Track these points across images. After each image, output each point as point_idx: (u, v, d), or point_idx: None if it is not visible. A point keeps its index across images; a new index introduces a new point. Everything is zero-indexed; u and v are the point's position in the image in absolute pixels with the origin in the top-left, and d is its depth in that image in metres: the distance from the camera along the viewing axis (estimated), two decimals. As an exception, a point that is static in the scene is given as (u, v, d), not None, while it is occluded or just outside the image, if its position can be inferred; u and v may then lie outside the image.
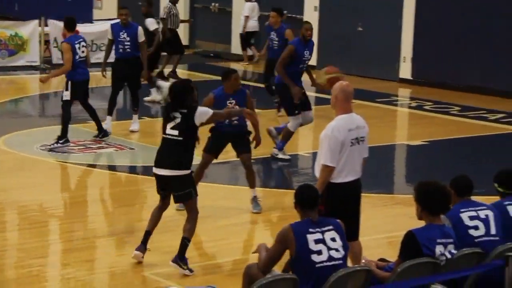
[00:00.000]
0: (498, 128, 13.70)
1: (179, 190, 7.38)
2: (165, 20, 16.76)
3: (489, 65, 16.09)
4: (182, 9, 20.51)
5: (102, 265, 7.76)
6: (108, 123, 12.23)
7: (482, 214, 6.14)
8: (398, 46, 17.45)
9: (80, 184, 10.49)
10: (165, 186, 7.46)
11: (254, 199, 9.10)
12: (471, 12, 16.24)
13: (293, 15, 19.32)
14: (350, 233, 6.32)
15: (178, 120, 7.29)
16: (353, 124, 6.80)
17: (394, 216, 8.72)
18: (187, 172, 7.36)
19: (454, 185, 6.24)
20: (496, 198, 6.61)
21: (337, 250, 5.67)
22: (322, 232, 5.69)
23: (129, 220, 8.89)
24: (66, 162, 10.96)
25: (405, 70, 17.42)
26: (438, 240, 5.67)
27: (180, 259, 7.30)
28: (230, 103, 8.86)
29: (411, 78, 17.31)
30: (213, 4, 20.79)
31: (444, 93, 16.18)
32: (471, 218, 6.07)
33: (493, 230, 6.06)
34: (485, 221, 6.10)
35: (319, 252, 5.62)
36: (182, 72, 17.73)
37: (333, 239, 5.69)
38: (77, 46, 11.35)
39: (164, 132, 7.38)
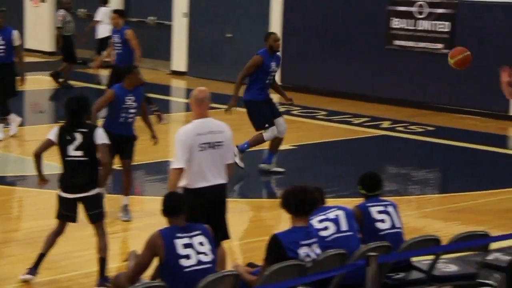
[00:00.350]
0: (362, 132, 14.07)
1: (95, 209, 7.16)
2: (61, 29, 16.75)
3: (354, 71, 16.52)
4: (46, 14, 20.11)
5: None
6: None
7: (331, 215, 6.31)
8: (266, 52, 17.63)
9: None
10: (74, 209, 7.20)
11: (125, 208, 9.01)
12: (335, 20, 16.63)
13: (162, 22, 19.30)
14: (217, 238, 6.37)
15: (79, 140, 7.02)
16: (204, 129, 6.79)
17: (261, 220, 8.82)
18: (98, 190, 7.18)
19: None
20: (360, 200, 6.81)
21: (205, 254, 5.71)
22: (190, 237, 5.72)
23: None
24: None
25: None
26: (302, 242, 5.78)
27: (104, 280, 7.06)
28: (129, 99, 8.73)
29: (280, 84, 17.52)
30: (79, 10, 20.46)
31: (311, 98, 16.50)
32: (320, 221, 6.26)
33: (344, 227, 6.26)
34: (336, 221, 6.28)
35: (187, 257, 5.65)
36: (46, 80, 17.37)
37: (201, 243, 5.72)
38: None
39: (65, 155, 7.04)
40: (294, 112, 15.43)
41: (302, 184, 6.02)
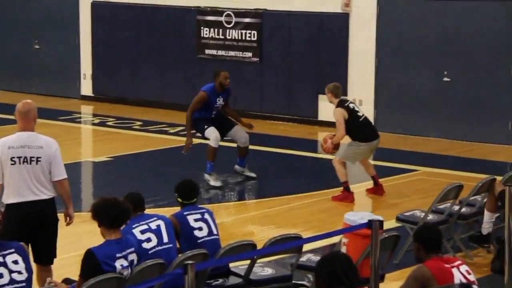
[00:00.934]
0: (179, 141, 14.18)
1: None
2: None
3: (166, 80, 16.65)
4: None
5: None
6: None
7: (153, 225, 6.38)
8: (78, 62, 17.48)
9: None
10: None
11: None
12: (146, 31, 16.71)
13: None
14: (39, 257, 6.31)
15: None
16: (19, 142, 6.68)
17: (79, 234, 8.74)
18: None
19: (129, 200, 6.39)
20: (179, 209, 6.90)
21: (19, 272, 5.59)
22: (3, 256, 5.58)
23: None
24: None
25: (86, 87, 17.49)
26: (118, 255, 5.79)
27: None
28: None
29: (93, 95, 17.43)
30: None
31: (126, 108, 16.50)
32: (142, 231, 6.30)
33: (165, 238, 6.35)
34: (158, 232, 6.36)
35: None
36: None
37: (15, 262, 5.61)
38: None
39: None
40: (109, 123, 15.37)
41: (111, 196, 5.95)
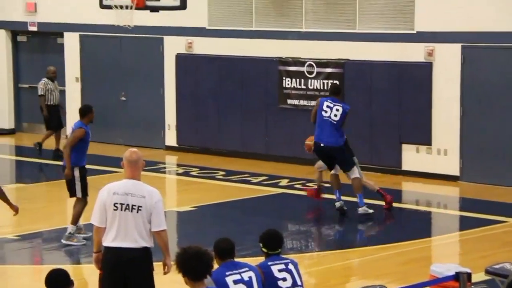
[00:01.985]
0: (261, 190, 14.27)
1: None
2: (43, 96, 16.89)
3: (248, 130, 16.77)
4: (6, 89, 19.71)
5: None
6: None
7: (245, 276, 6.42)
8: (162, 114, 17.79)
9: None
10: None
11: None
12: (228, 82, 16.93)
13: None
14: None
15: None
16: (124, 189, 6.90)
17: (169, 284, 8.88)
18: None
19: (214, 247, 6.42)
20: (262, 259, 6.95)
21: None
22: None
23: None
24: None
25: (171, 138, 17.77)
26: None
27: None
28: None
29: (177, 145, 17.70)
30: None
31: (209, 158, 16.66)
32: (235, 282, 6.31)
33: None
34: (249, 284, 6.38)
35: None
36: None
37: None
38: None
39: None
40: (193, 173, 15.56)
41: (195, 247, 5.69)
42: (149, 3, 13.51)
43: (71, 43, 18.74)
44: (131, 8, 13.55)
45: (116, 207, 6.85)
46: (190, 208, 12.89)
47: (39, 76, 19.38)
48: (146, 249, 6.95)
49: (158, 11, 14.11)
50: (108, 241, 6.90)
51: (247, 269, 6.46)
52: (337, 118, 12.06)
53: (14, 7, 19.18)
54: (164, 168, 16.39)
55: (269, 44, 16.39)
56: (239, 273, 6.37)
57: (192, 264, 5.55)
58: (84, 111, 11.26)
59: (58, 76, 18.72)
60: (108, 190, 6.91)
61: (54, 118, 17.04)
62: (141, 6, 13.51)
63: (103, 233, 6.93)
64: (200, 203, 13.22)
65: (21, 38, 19.69)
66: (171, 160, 17.06)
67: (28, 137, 19.17)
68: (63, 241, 10.72)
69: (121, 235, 6.85)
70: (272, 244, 6.82)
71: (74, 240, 10.72)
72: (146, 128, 17.86)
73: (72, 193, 10.89)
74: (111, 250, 6.89)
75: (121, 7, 13.62)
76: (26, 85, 19.71)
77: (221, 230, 11.57)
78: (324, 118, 12.10)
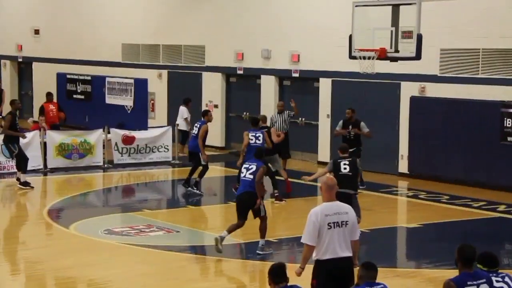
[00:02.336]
0: (481, 214, 13.71)
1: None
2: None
3: (471, 162, 16.21)
4: (219, 117, 20.87)
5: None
6: None
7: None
8: (397, 146, 17.66)
9: (136, 261, 10.57)
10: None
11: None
12: (454, 118, 16.49)
13: (310, 122, 19.71)
14: None
15: None
16: (331, 210, 6.92)
17: (394, 286, 8.78)
18: None
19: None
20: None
21: None
22: None
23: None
24: (125, 244, 11.11)
25: (403, 166, 17.57)
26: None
27: None
28: None
29: (408, 172, 17.45)
30: (244, 113, 21.21)
31: (435, 184, 16.26)
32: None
33: None
34: None
35: None
36: (219, 169, 18.05)
37: None
38: None
39: None
40: (421, 196, 15.27)
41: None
42: (390, 55, 13.46)
43: (324, 86, 19.13)
44: (373, 59, 13.59)
45: (330, 226, 6.88)
46: (418, 225, 12.64)
47: (298, 113, 19.99)
48: (350, 258, 7.01)
49: (397, 61, 14.03)
50: (324, 255, 6.88)
51: (484, 280, 6.02)
52: None
53: (281, 58, 19.93)
54: (397, 191, 16.20)
55: (493, 90, 15.74)
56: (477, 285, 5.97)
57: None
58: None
59: (313, 113, 19.21)
60: (319, 213, 6.91)
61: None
62: (383, 57, 13.50)
63: (312, 251, 6.92)
64: (426, 221, 12.91)
65: (286, 83, 20.39)
66: (402, 185, 16.84)
67: (287, 161, 19.73)
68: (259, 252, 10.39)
69: (333, 249, 6.86)
70: (490, 264, 6.26)
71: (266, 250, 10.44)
72: (383, 157, 17.77)
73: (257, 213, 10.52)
74: (327, 261, 6.88)
75: (366, 58, 13.71)
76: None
77: (443, 246, 11.22)
78: None
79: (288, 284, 5.96)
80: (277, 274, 5.97)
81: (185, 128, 19.49)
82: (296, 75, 19.74)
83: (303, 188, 16.07)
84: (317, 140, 19.33)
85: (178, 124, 19.50)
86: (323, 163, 18.95)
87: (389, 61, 13.99)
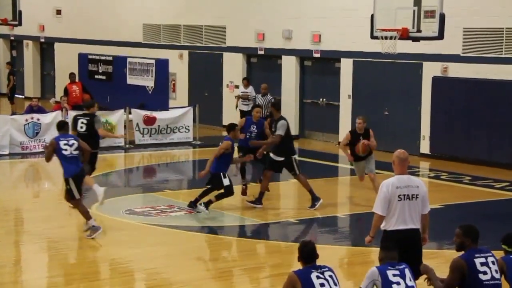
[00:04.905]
0: (503, 195, 13.60)
1: None
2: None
3: (493, 142, 16.07)
4: (294, 103, 20.49)
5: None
6: None
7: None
8: (418, 126, 17.54)
9: (157, 241, 10.64)
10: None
11: None
12: (477, 99, 16.33)
13: (331, 102, 19.62)
14: (416, 272, 6.47)
15: None
16: (402, 183, 7.02)
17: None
18: None
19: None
20: (501, 253, 6.60)
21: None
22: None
23: (197, 270, 9.04)
24: (146, 224, 11.17)
25: (425, 147, 17.46)
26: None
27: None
28: None
29: (430, 153, 17.34)
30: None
31: (457, 165, 16.15)
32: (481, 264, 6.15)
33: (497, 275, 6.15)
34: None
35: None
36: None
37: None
38: None
39: None
40: (443, 177, 15.18)
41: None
42: (412, 35, 13.32)
43: (346, 67, 19.00)
44: (395, 39, 13.47)
45: (400, 198, 6.98)
46: (439, 206, 12.56)
47: (319, 93, 19.93)
48: (418, 230, 7.11)
49: (419, 41, 13.89)
50: (391, 226, 7.00)
51: (490, 254, 6.29)
52: None
53: (302, 38, 19.82)
54: (418, 171, 16.10)
55: (515, 69, 15.59)
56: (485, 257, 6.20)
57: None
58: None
59: (333, 94, 19.15)
60: (391, 185, 7.01)
61: None
62: (405, 37, 13.36)
63: (382, 221, 7.05)
64: (448, 202, 12.84)
65: (307, 63, 20.30)
66: (424, 165, 16.74)
67: (308, 142, 19.75)
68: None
69: (403, 220, 6.97)
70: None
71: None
72: (404, 137, 17.66)
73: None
74: (396, 232, 6.98)
75: (387, 38, 13.58)
76: (309, 101, 20.29)
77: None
78: None
79: (317, 263, 5.97)
80: (307, 253, 6.02)
81: None
82: (317, 55, 19.62)
83: (323, 169, 16.05)
84: (338, 121, 19.24)
85: None
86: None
87: (411, 41, 13.86)
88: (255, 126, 12.56)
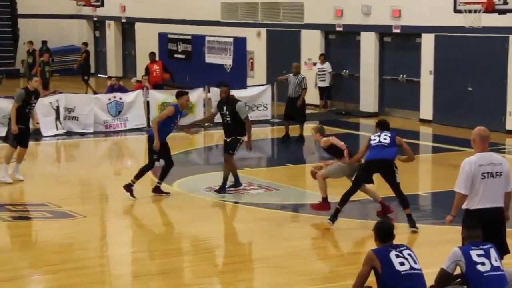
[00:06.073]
0: None
1: None
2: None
3: None
4: (373, 80, 19.97)
5: (257, 284, 7.95)
6: None
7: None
8: (504, 102, 17.01)
9: (236, 218, 10.73)
10: None
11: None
12: None
13: (411, 78, 19.26)
14: (501, 249, 6.42)
15: None
16: (486, 160, 6.84)
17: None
18: None
19: None
20: None
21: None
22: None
23: (276, 247, 9.07)
24: (225, 201, 11.24)
25: (510, 123, 16.93)
26: None
27: None
28: None
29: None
30: (344, 71, 20.95)
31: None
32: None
33: None
34: None
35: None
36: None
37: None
38: None
39: None
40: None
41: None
42: (498, 7, 12.89)
43: (427, 42, 18.57)
44: (480, 12, 13.07)
45: (484, 176, 6.82)
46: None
47: (399, 70, 19.57)
48: (502, 208, 6.95)
49: (505, 14, 13.43)
50: (474, 205, 6.85)
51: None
52: None
53: (382, 14, 19.47)
54: (504, 149, 15.62)
55: None
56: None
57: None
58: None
59: (414, 70, 18.78)
60: (473, 163, 6.85)
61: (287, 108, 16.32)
62: (490, 10, 12.96)
63: (465, 200, 6.88)
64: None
65: (387, 39, 19.95)
66: (510, 142, 16.23)
67: (387, 119, 19.40)
68: None
69: (486, 198, 6.82)
70: None
71: None
72: (488, 113, 17.17)
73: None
74: (479, 211, 6.83)
75: (472, 11, 13.20)
76: (389, 77, 19.95)
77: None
78: None
79: (394, 242, 5.91)
80: (384, 232, 5.96)
81: None
82: (397, 31, 19.24)
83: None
84: (418, 98, 18.87)
85: None
86: (425, 121, 18.55)
87: (497, 13, 13.43)
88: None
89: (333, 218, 9.59)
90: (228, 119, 11.37)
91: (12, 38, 28.78)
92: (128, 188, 11.08)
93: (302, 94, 16.12)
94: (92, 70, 26.82)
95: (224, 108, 11.41)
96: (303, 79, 16.26)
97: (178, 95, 11.38)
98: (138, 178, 11.12)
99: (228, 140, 11.43)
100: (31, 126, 12.74)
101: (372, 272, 5.89)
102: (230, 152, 11.38)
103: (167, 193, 11.27)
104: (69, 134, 16.83)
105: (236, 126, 11.33)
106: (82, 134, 16.98)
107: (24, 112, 12.02)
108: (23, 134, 12.08)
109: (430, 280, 6.06)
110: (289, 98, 16.47)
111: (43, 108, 16.57)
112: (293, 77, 16.34)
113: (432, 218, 10.56)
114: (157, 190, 11.27)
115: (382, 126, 10.00)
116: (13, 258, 8.71)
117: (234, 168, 11.54)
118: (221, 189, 11.38)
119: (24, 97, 11.98)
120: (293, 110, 16.19)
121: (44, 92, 18.67)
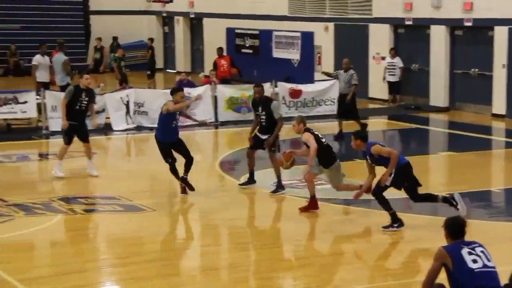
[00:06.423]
0: None
1: None
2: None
3: None
4: (443, 74, 19.65)
5: (328, 278, 7.93)
6: None
7: None
8: None
9: (303, 213, 10.66)
10: None
11: None
12: None
13: (484, 72, 18.82)
14: None
15: None
16: None
17: None
18: None
19: None
20: None
21: None
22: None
23: (340, 242, 8.99)
24: (293, 196, 11.18)
25: None
26: None
27: None
28: None
29: None
30: (413, 65, 20.63)
31: None
32: None
33: None
34: None
35: None
36: (386, 122, 17.71)
37: None
38: None
39: None
40: None
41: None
42: None
43: (500, 35, 18.11)
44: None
45: None
46: None
47: (471, 64, 19.15)
48: None
49: None
50: None
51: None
52: None
53: (453, 7, 19.09)
54: None
55: None
56: None
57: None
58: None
59: (486, 64, 18.36)
60: None
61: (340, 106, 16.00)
62: None
63: None
64: None
65: (458, 32, 19.54)
66: None
67: (458, 113, 19.08)
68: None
69: None
70: None
71: None
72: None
73: None
74: None
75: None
76: (460, 71, 19.53)
77: None
78: None
79: (465, 239, 5.79)
80: (456, 229, 5.86)
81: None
82: (469, 24, 18.83)
83: (475, 142, 15.48)
84: (491, 92, 18.43)
85: None
86: (498, 116, 18.10)
87: None
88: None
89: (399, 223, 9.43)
90: (263, 119, 11.34)
91: (84, 34, 29.43)
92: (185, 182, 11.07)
93: (352, 90, 15.88)
94: (161, 66, 27.16)
95: (260, 108, 11.38)
96: (352, 75, 15.96)
97: (172, 92, 11.19)
98: (187, 173, 11.08)
99: (263, 138, 11.37)
100: (89, 125, 12.64)
101: (443, 269, 5.79)
102: (273, 149, 11.31)
103: (191, 187, 11.08)
104: (139, 128, 17.09)
105: (272, 126, 11.32)
106: (152, 129, 17.20)
107: (74, 109, 12.01)
108: (77, 131, 12.07)
109: (504, 278, 5.91)
110: (340, 95, 16.30)
111: (114, 103, 16.91)
112: (343, 73, 16.12)
113: (505, 215, 10.31)
114: (183, 180, 11.10)
115: None
116: (85, 250, 8.91)
117: (253, 165, 11.47)
118: (279, 188, 11.31)
119: (73, 94, 11.97)
120: (344, 106, 15.97)
121: (119, 88, 19.02)
